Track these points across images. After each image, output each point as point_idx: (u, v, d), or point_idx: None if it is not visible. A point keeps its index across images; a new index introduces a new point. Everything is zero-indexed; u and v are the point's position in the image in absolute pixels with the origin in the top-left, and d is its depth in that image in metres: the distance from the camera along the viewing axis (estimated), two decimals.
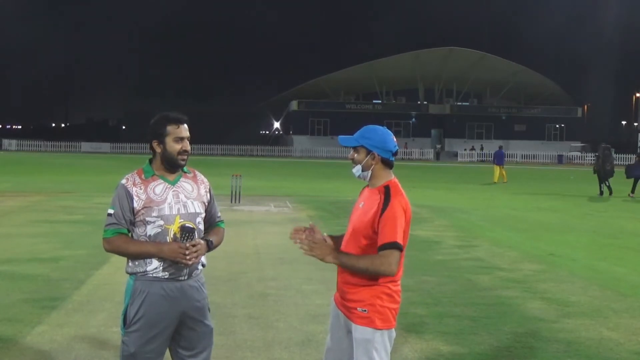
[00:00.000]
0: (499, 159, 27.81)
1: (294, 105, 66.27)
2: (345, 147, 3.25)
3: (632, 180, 21.53)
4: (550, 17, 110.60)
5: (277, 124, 78.75)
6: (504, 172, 27.48)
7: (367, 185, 3.28)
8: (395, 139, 3.22)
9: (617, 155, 51.35)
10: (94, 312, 5.98)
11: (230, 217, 12.13)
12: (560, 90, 69.12)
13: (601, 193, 21.85)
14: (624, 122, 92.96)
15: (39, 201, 15.40)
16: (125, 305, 3.16)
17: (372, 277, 3.07)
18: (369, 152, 3.16)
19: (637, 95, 71.34)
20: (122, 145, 56.54)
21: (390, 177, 3.19)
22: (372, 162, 3.16)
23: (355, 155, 3.20)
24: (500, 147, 30.38)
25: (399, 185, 3.17)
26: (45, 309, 6.00)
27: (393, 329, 3.13)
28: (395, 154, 3.20)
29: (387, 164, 3.18)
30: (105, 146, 56.76)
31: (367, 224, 3.07)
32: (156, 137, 3.20)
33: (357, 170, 3.21)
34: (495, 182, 26.85)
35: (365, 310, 3.07)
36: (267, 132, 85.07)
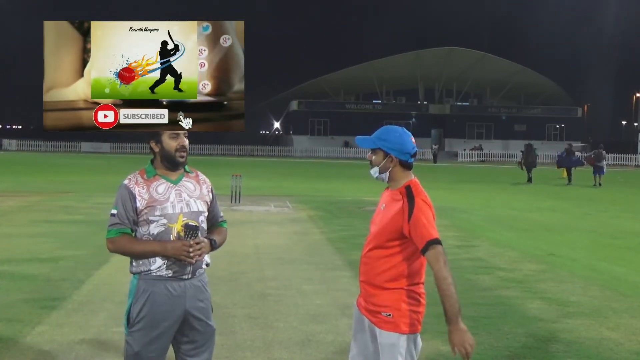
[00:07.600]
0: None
1: (294, 105, 66.25)
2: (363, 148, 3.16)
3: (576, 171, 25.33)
4: (550, 17, 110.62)
5: (277, 124, 78.79)
6: (565, 174, 27.80)
7: (388, 187, 3.19)
8: (413, 140, 3.11)
9: (617, 156, 51.42)
10: (94, 312, 5.98)
11: (231, 217, 12.10)
12: (560, 90, 69.11)
13: (528, 180, 26.14)
14: (624, 122, 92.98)
15: (39, 201, 15.39)
16: (129, 304, 3.16)
17: (397, 280, 3.02)
18: (386, 154, 3.06)
19: (637, 95, 71.35)
20: (122, 145, 56.51)
21: (410, 177, 3.09)
22: (390, 165, 3.07)
23: (373, 157, 3.11)
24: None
25: (419, 184, 3.10)
26: (45, 309, 6.00)
27: (418, 335, 3.06)
28: (413, 155, 3.09)
29: (406, 166, 3.08)
30: (106, 146, 56.72)
31: (391, 228, 2.99)
32: (153, 137, 3.22)
33: (374, 172, 3.12)
34: (566, 180, 27.36)
35: (390, 315, 2.99)
36: (267, 132, 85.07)
